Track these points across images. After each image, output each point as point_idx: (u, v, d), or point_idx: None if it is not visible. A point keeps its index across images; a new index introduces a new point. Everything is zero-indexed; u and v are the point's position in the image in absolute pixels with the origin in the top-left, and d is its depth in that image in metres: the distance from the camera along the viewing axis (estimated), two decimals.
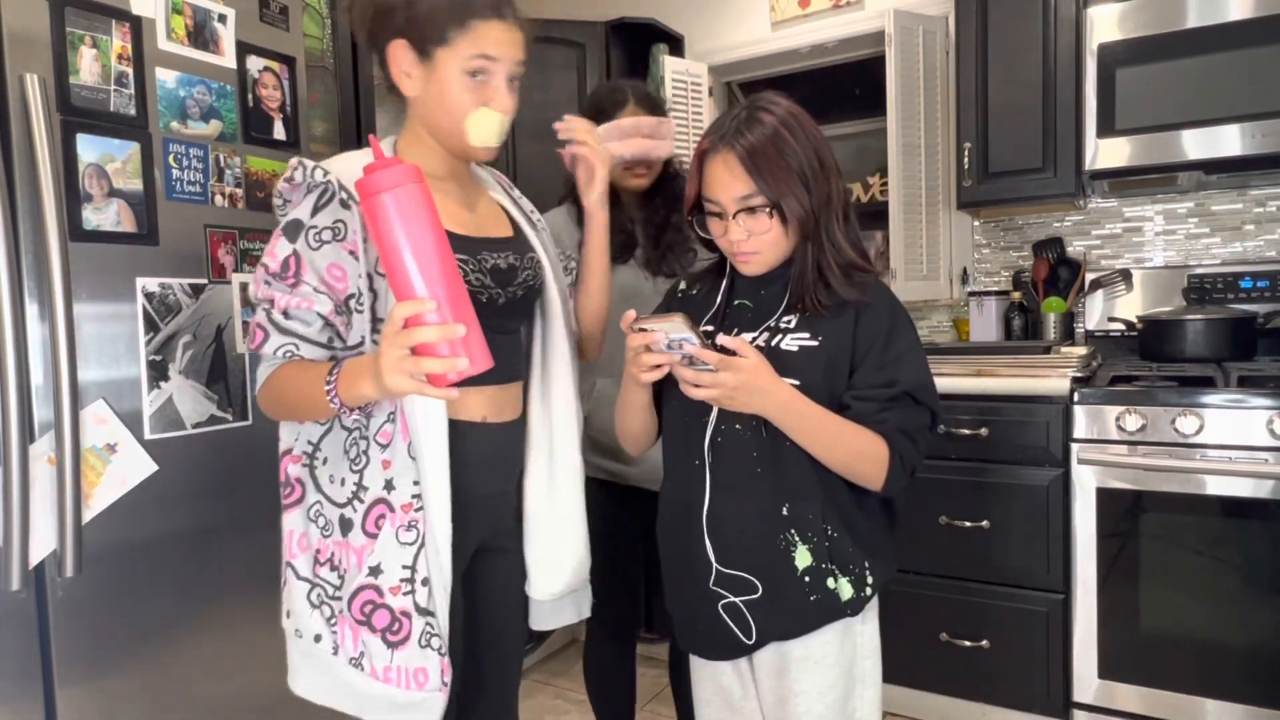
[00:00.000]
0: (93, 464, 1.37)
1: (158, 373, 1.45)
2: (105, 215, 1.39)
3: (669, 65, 2.79)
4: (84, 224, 1.36)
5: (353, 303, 1.07)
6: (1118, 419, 1.90)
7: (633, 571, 1.75)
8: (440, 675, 1.08)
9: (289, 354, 1.06)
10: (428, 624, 1.07)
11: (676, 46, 3.02)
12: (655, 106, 1.66)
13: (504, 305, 1.17)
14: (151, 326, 1.45)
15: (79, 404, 1.33)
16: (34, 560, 1.31)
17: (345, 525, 1.09)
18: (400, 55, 1.10)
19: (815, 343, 1.10)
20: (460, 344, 0.90)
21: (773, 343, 1.11)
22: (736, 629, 1.13)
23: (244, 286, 1.53)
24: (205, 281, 1.52)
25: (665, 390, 1.19)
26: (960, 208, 2.47)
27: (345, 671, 1.11)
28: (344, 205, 1.05)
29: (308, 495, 1.13)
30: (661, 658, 2.69)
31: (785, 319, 1.13)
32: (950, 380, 2.09)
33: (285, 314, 1.05)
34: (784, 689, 1.14)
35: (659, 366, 1.04)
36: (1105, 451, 1.92)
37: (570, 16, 3.06)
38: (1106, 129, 2.13)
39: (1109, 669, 1.94)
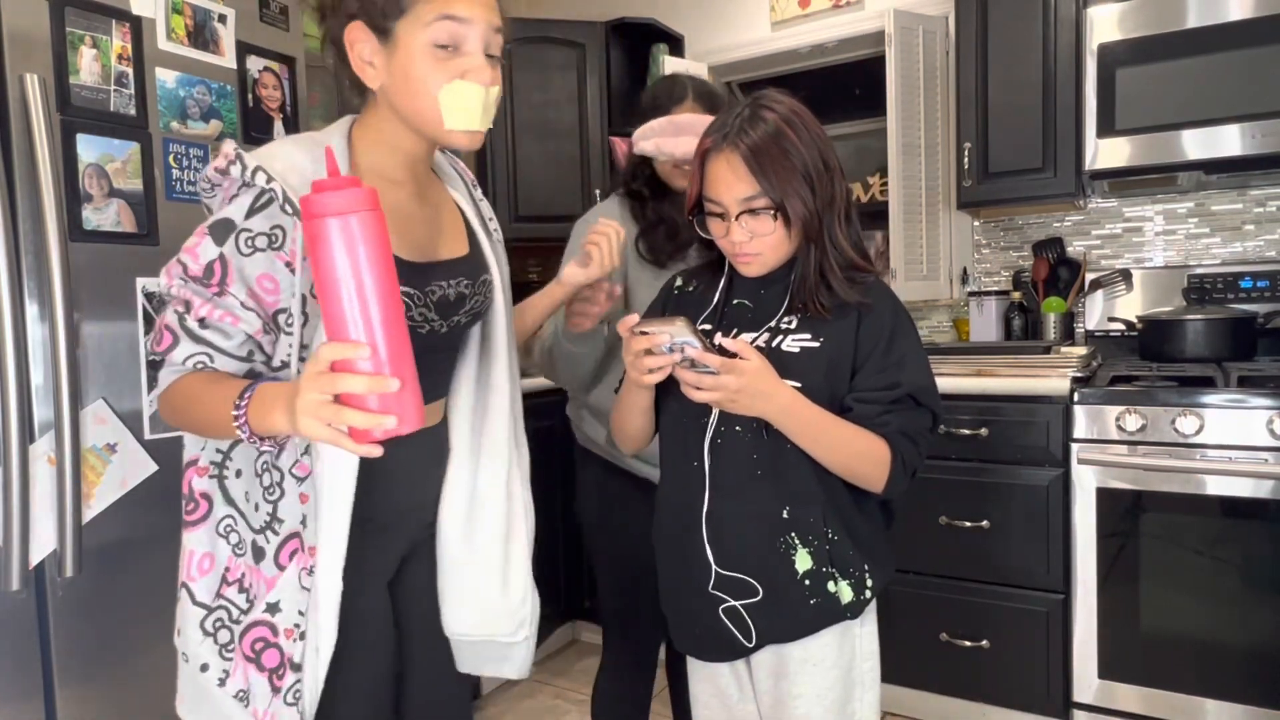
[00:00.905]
0: (93, 464, 1.37)
1: (158, 372, 1.45)
2: (105, 215, 1.39)
3: (669, 65, 2.79)
4: (84, 224, 1.37)
5: (282, 319, 0.95)
6: (1118, 419, 1.90)
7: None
8: None
9: (200, 365, 0.94)
10: (297, 680, 0.98)
11: (676, 46, 3.02)
12: (715, 104, 1.55)
13: (444, 334, 1.08)
14: (152, 326, 1.45)
15: (79, 404, 1.33)
16: (34, 560, 1.31)
17: (258, 552, 1.00)
18: (359, 41, 0.96)
19: (816, 344, 1.09)
20: (392, 399, 0.79)
21: (774, 344, 1.11)
22: (737, 632, 1.13)
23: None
24: None
25: (663, 391, 1.18)
26: (960, 208, 2.47)
27: (228, 704, 1.01)
28: (285, 210, 0.92)
29: (216, 509, 1.01)
30: (662, 658, 2.69)
31: (786, 320, 1.12)
32: (950, 380, 2.09)
33: (202, 322, 0.93)
34: (782, 691, 1.14)
35: (660, 369, 1.04)
36: (1105, 451, 1.92)
37: (570, 16, 3.06)
38: (1106, 129, 2.13)
39: (1109, 669, 1.94)
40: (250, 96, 1.61)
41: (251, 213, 0.92)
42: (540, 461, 1.68)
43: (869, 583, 1.12)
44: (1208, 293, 2.32)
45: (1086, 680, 1.96)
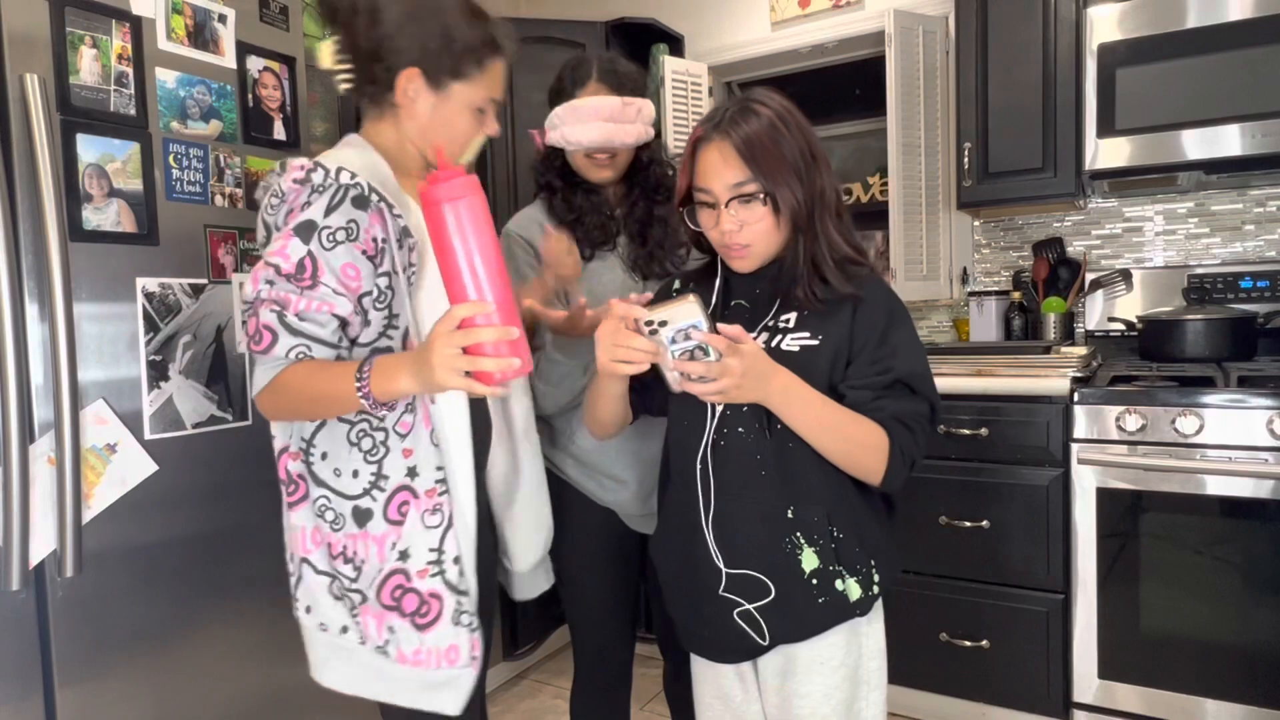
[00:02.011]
0: (93, 464, 1.37)
1: (158, 373, 1.45)
2: (105, 215, 1.39)
3: (669, 65, 2.79)
4: (84, 224, 1.36)
5: (367, 300, 1.08)
6: (1118, 419, 1.90)
7: (633, 616, 1.60)
8: (470, 650, 1.12)
9: (301, 355, 1.05)
10: (459, 601, 1.11)
11: (676, 46, 3.02)
12: (623, 84, 1.46)
13: None
14: (151, 326, 1.45)
15: (79, 404, 1.33)
16: (34, 560, 1.31)
17: (362, 516, 1.11)
18: (412, 82, 1.12)
19: (816, 341, 1.09)
20: (512, 345, 0.97)
21: (773, 343, 1.11)
22: (751, 633, 1.13)
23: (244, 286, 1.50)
24: (205, 281, 1.52)
25: (670, 396, 1.18)
26: (960, 208, 2.47)
27: (373, 658, 1.13)
28: (358, 205, 1.05)
29: (311, 490, 1.13)
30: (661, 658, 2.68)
31: (784, 318, 1.12)
32: (950, 380, 2.09)
33: (300, 316, 1.04)
34: (789, 690, 1.14)
35: (634, 363, 1.02)
36: (1105, 451, 1.92)
37: (570, 16, 3.06)
38: (1106, 129, 2.13)
39: (1109, 669, 1.94)
40: (250, 96, 1.61)
41: (330, 211, 1.05)
42: None
43: (876, 578, 1.12)
44: (1208, 293, 2.32)
45: (1086, 680, 1.96)
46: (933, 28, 2.60)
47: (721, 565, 1.11)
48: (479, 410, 1.24)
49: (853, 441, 1.06)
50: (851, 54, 2.91)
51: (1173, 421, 1.84)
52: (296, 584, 1.17)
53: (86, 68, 1.37)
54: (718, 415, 1.11)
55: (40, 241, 1.29)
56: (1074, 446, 1.95)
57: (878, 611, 1.17)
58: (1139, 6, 2.07)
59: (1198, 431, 1.82)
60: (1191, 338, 2.21)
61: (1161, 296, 2.41)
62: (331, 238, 1.04)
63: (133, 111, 1.43)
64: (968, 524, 2.07)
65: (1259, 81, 1.95)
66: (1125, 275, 2.47)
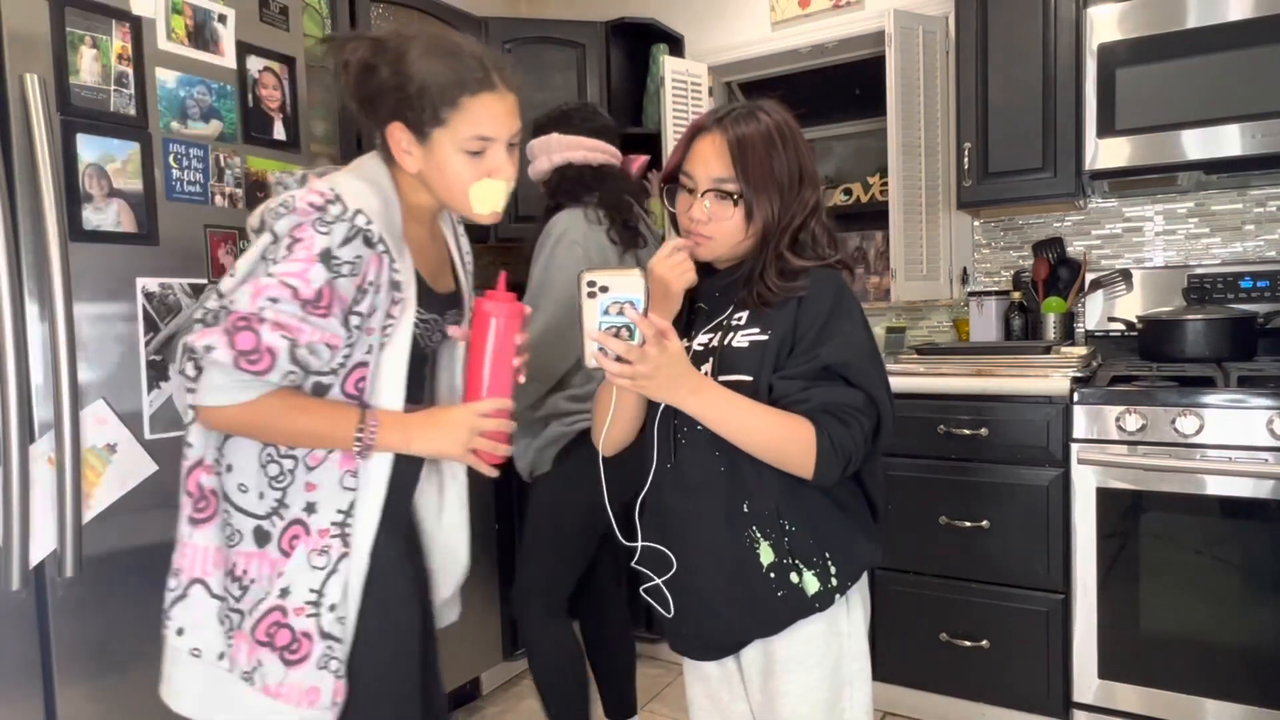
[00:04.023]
0: (93, 464, 1.37)
1: (158, 373, 1.45)
2: (105, 215, 1.39)
3: (669, 65, 2.79)
4: (84, 224, 1.36)
5: (353, 320, 1.09)
6: (1118, 419, 1.90)
7: (571, 550, 1.87)
8: (332, 695, 1.11)
9: (292, 382, 1.06)
10: (329, 647, 1.10)
11: (676, 46, 3.02)
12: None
13: (430, 354, 1.27)
14: (151, 326, 1.45)
15: (79, 404, 1.33)
16: (34, 560, 1.31)
17: (262, 537, 1.10)
18: (399, 136, 1.11)
19: (765, 336, 1.09)
20: (506, 435, 1.16)
21: (726, 340, 1.12)
22: (659, 607, 1.16)
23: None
24: (205, 281, 1.52)
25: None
26: (960, 208, 2.47)
27: (236, 687, 1.12)
28: (368, 244, 1.06)
29: (220, 506, 1.12)
30: (661, 658, 2.69)
31: (737, 316, 1.13)
32: (950, 380, 2.09)
33: (310, 349, 1.03)
34: (771, 689, 1.15)
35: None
36: (1105, 451, 1.92)
37: (570, 16, 3.06)
38: (1106, 129, 2.13)
39: (1109, 669, 1.94)
40: (250, 96, 1.61)
41: (344, 243, 1.05)
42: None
43: (833, 571, 1.11)
44: (1208, 293, 2.32)
45: (1086, 680, 1.96)
46: (933, 28, 2.60)
47: (640, 539, 1.15)
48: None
49: (775, 439, 1.04)
50: (851, 54, 2.91)
51: (1173, 421, 1.84)
52: (174, 603, 1.14)
53: (86, 68, 1.37)
54: (671, 409, 1.12)
55: (40, 241, 1.29)
56: (1074, 446, 1.95)
57: (857, 612, 1.16)
58: (1139, 6, 2.07)
59: (1198, 431, 1.82)
60: (1191, 338, 2.21)
61: (1161, 296, 2.41)
62: (338, 269, 1.04)
63: (133, 111, 1.43)
64: (967, 524, 2.07)
65: (1259, 81, 1.95)
66: (1125, 275, 2.47)
